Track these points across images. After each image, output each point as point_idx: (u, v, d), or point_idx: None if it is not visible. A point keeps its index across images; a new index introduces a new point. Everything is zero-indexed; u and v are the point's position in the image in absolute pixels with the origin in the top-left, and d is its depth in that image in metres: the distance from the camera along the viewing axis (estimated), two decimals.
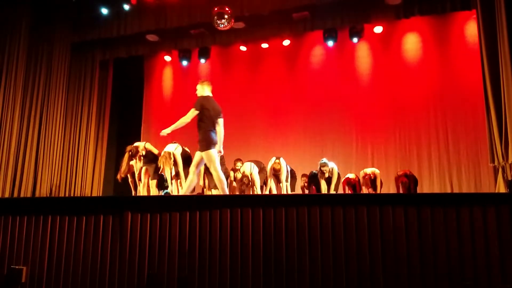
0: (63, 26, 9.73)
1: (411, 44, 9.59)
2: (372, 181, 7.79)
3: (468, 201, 4.33)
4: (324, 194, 7.35)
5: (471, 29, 8.67)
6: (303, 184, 8.56)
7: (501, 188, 6.64)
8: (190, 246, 4.69)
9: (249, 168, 7.07)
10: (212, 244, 4.65)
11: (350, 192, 7.81)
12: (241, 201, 4.78)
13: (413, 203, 4.40)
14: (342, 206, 4.49)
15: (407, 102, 9.33)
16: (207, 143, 5.53)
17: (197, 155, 5.65)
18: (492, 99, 6.91)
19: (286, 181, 7.43)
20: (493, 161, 6.89)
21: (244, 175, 7.04)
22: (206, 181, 7.15)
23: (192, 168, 5.70)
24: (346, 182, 7.91)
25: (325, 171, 7.58)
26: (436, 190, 8.62)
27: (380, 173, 7.96)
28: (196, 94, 5.92)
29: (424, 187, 8.65)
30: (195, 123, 5.76)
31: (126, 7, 9.18)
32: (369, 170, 7.91)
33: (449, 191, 8.52)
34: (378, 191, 7.72)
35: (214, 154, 5.53)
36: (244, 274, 4.51)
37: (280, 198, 5.06)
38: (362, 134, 9.53)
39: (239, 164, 7.48)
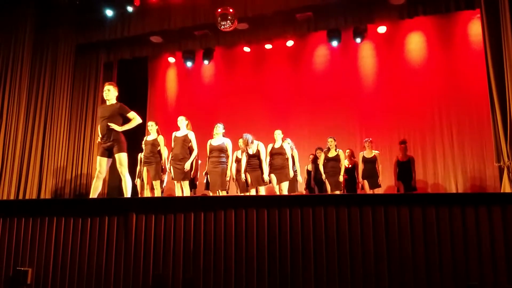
0: (68, 27, 9.76)
1: (415, 44, 9.57)
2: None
3: (474, 201, 4.30)
4: (329, 194, 7.35)
5: (475, 29, 8.64)
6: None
7: (507, 188, 6.60)
8: (195, 247, 4.69)
9: (256, 143, 7.17)
10: (217, 244, 4.64)
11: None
12: (245, 202, 4.77)
13: (418, 203, 4.38)
14: (347, 206, 4.47)
15: (411, 102, 9.31)
16: (125, 145, 5.79)
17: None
18: (497, 98, 6.88)
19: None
20: (498, 161, 6.85)
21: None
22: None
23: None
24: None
25: (330, 146, 7.83)
26: (441, 190, 8.60)
27: (385, 171, 8.00)
28: (108, 97, 5.87)
29: (429, 187, 8.63)
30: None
31: (130, 8, 9.19)
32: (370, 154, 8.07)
33: (454, 191, 8.49)
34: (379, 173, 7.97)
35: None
36: (249, 275, 4.51)
37: (284, 199, 5.05)
38: (367, 134, 9.50)
39: (241, 140, 7.52)
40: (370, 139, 8.19)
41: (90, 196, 5.81)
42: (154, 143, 7.23)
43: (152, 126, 7.42)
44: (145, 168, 7.30)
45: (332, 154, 7.84)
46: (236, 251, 4.59)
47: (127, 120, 5.84)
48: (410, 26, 9.48)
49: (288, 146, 7.38)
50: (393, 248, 4.31)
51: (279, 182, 7.15)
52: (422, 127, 9.13)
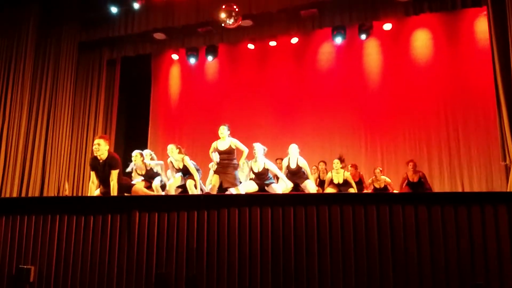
0: (71, 25, 9.77)
1: (421, 41, 9.50)
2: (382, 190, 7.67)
3: (479, 200, 4.26)
4: (333, 193, 7.30)
5: (482, 26, 8.57)
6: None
7: None
8: (198, 245, 4.68)
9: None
10: (221, 243, 4.63)
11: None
12: (249, 200, 4.75)
13: (424, 202, 4.34)
14: (351, 205, 4.44)
15: (416, 99, 9.25)
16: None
17: None
18: (504, 96, 6.83)
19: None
20: (504, 160, 6.82)
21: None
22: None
23: None
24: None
25: (335, 167, 7.41)
26: (447, 189, 8.55)
27: (390, 172, 7.90)
28: (101, 153, 5.72)
29: (435, 186, 8.57)
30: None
31: (136, 5, 9.16)
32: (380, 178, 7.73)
33: (460, 190, 8.44)
34: None
35: None
36: (252, 273, 4.49)
37: (288, 197, 5.03)
38: (372, 132, 9.46)
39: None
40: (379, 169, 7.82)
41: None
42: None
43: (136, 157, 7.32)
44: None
45: (339, 179, 7.39)
46: (239, 249, 4.57)
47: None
48: (416, 23, 9.41)
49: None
50: (398, 247, 4.27)
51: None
52: (427, 124, 9.07)
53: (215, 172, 6.83)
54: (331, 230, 4.43)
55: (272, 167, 6.94)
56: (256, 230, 4.57)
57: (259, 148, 6.92)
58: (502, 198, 4.30)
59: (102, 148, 5.68)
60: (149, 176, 7.29)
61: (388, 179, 7.92)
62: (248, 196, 5.94)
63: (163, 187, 7.18)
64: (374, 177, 7.87)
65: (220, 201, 4.83)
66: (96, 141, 5.70)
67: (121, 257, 4.84)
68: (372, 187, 7.87)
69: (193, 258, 4.66)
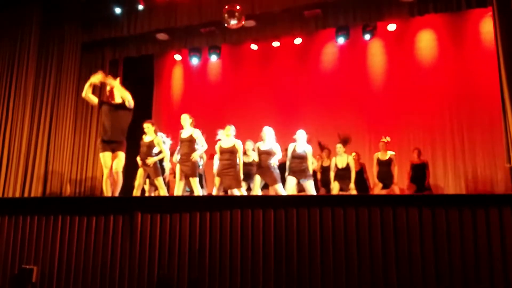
0: (73, 25, 9.75)
1: (425, 42, 9.45)
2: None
3: (484, 203, 4.24)
4: (336, 195, 7.27)
5: (487, 27, 8.51)
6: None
7: None
8: (201, 247, 4.66)
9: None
10: (223, 245, 4.61)
11: None
12: (252, 202, 4.73)
13: (428, 204, 4.31)
14: (354, 207, 4.42)
15: (421, 101, 9.20)
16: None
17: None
18: (509, 98, 6.76)
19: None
20: (509, 162, 6.76)
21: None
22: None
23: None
24: None
25: (338, 152, 7.71)
26: (451, 191, 8.51)
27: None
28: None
29: (438, 188, 8.53)
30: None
31: (141, 7, 9.13)
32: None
33: (464, 192, 8.39)
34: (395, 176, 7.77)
35: None
36: (255, 275, 4.47)
37: (291, 199, 5.01)
38: (375, 134, 9.39)
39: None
40: (387, 139, 7.93)
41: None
42: (150, 145, 6.98)
43: (148, 128, 7.12)
44: (140, 170, 7.03)
45: (342, 163, 7.61)
46: (242, 251, 4.55)
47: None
48: (421, 23, 9.36)
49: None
50: (401, 250, 4.25)
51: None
52: (432, 126, 9.02)
53: (217, 174, 6.84)
54: (334, 232, 4.40)
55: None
56: (258, 231, 4.55)
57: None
58: (507, 200, 4.26)
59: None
60: None
61: (392, 153, 7.94)
62: (250, 197, 5.93)
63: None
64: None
65: (222, 202, 4.82)
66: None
67: (123, 258, 4.84)
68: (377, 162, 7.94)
69: (195, 259, 4.65)
